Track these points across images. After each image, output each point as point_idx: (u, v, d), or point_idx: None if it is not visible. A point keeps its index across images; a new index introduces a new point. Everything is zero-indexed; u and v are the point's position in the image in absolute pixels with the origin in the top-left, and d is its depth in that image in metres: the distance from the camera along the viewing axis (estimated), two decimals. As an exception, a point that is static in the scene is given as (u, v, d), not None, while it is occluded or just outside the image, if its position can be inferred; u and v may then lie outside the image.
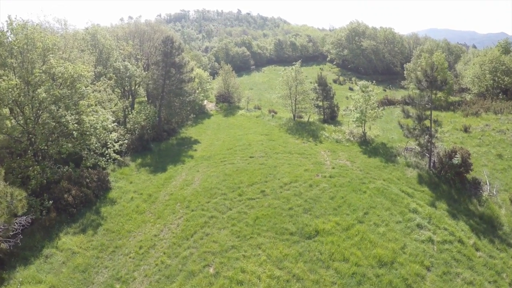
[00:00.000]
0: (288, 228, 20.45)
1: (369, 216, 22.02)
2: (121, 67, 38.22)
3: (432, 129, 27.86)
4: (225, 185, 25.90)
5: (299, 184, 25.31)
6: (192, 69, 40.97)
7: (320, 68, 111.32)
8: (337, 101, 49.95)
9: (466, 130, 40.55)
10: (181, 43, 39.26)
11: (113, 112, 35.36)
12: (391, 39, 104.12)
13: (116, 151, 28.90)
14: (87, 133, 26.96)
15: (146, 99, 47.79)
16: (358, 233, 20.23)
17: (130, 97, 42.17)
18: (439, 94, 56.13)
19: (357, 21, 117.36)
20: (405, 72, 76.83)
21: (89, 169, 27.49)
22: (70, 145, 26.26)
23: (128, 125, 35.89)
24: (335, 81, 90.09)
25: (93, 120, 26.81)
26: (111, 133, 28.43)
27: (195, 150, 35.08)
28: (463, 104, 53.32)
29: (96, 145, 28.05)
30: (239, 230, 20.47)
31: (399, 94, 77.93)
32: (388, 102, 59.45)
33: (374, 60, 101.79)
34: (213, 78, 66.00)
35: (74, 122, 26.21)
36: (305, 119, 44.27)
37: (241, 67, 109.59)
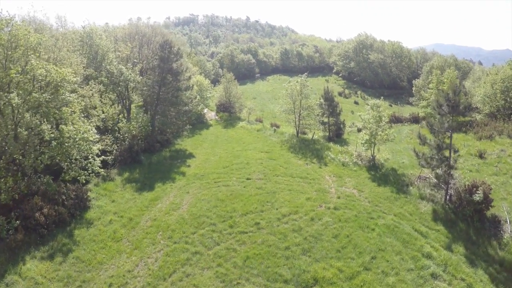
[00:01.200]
0: (282, 274, 17.38)
1: (377, 262, 18.95)
2: (115, 71, 35.55)
3: (451, 159, 24.86)
4: (216, 212, 22.92)
5: (299, 217, 22.28)
6: (190, 77, 38.21)
7: (326, 80, 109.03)
8: (343, 118, 47.00)
9: (481, 156, 37.50)
10: (180, 48, 36.53)
11: (102, 119, 32.66)
12: (399, 53, 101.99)
13: (100, 164, 25.99)
14: (66, 144, 24.17)
15: (143, 104, 45.13)
16: (363, 284, 17.17)
17: (125, 102, 39.44)
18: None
19: (365, 33, 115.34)
20: (413, 88, 74.15)
21: (68, 184, 24.75)
22: (46, 156, 23.54)
23: (118, 134, 33.04)
24: (340, 94, 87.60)
25: (72, 131, 23.96)
26: (94, 146, 25.55)
27: (188, 165, 32.17)
28: (474, 126, 50.44)
29: (78, 157, 25.30)
30: (225, 273, 17.43)
31: (406, 111, 75.22)
32: (395, 120, 56.59)
33: (380, 74, 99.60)
34: (214, 86, 63.34)
35: (51, 132, 23.47)
36: (309, 135, 41.37)
37: (246, 74, 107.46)
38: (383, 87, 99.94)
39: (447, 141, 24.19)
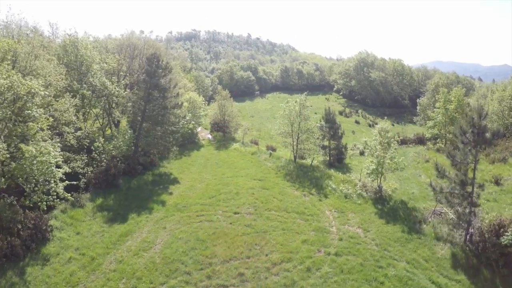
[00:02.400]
0: None
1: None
2: (98, 84, 32.27)
3: (474, 194, 21.20)
4: (193, 257, 19.09)
5: (293, 266, 18.41)
6: (178, 94, 34.87)
7: (326, 98, 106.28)
8: (344, 139, 43.48)
9: (497, 182, 33.91)
10: (168, 63, 33.27)
11: (78, 137, 29.14)
12: (400, 71, 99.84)
13: (62, 190, 22.31)
14: (25, 165, 20.71)
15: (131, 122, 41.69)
16: None
17: (110, 119, 36.06)
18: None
19: (366, 51, 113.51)
20: (418, 107, 71.13)
21: (26, 211, 21.23)
22: (3, 179, 20.23)
23: (95, 154, 29.46)
24: (341, 113, 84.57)
25: (32, 151, 20.44)
26: (56, 169, 21.94)
27: (171, 193, 28.42)
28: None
29: (41, 180, 21.79)
30: None
31: (409, 130, 71.90)
32: (400, 141, 53.01)
33: (382, 92, 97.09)
34: (213, 102, 60.15)
35: (7, 153, 20.00)
36: (308, 160, 37.69)
37: (245, 91, 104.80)
38: (384, 105, 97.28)
39: (470, 174, 20.59)
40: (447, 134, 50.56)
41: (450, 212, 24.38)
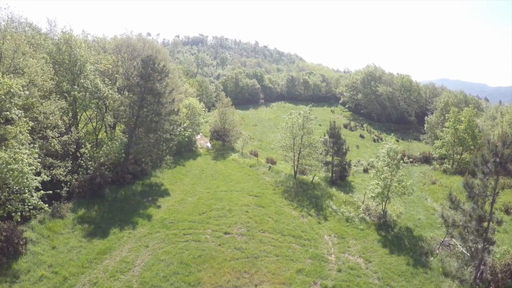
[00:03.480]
0: None
1: None
2: (90, 85, 30.56)
3: (490, 230, 19.08)
4: (174, 283, 17.11)
5: (286, 302, 16.38)
6: (174, 100, 33.04)
7: (332, 111, 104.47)
8: (349, 156, 41.43)
9: (507, 211, 31.87)
10: (165, 66, 31.53)
11: (64, 142, 27.37)
12: (408, 87, 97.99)
13: (37, 200, 20.43)
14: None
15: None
16: None
17: (102, 123, 34.29)
18: (465, 155, 47.86)
19: (374, 65, 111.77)
20: (425, 125, 68.99)
21: (-1, 221, 19.45)
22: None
23: (81, 161, 27.65)
24: (345, 126, 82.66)
25: (5, 158, 18.67)
26: (31, 177, 20.11)
27: (159, 206, 26.48)
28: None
29: (16, 188, 20.06)
30: None
31: (414, 148, 69.66)
32: (408, 162, 50.92)
33: (388, 107, 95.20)
34: (209, 111, 58.49)
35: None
36: (309, 176, 35.66)
37: (249, 99, 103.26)
38: (390, 121, 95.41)
39: (487, 207, 18.50)
40: (455, 155, 48.57)
41: (460, 245, 22.26)
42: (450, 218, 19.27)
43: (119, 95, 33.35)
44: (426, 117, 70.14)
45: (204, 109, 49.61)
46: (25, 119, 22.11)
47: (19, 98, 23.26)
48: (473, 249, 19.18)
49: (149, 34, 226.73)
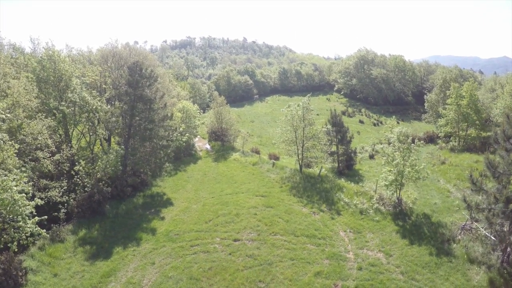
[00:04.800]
0: None
1: None
2: (77, 99, 29.18)
3: (515, 211, 17.83)
4: (186, 303, 15.89)
5: (308, 310, 15.17)
6: (166, 105, 31.65)
7: (327, 99, 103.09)
8: (352, 145, 40.12)
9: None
10: (153, 71, 30.11)
11: (56, 161, 26.02)
12: (401, 67, 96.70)
13: (33, 227, 19.12)
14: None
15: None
16: None
17: (93, 137, 32.92)
18: (470, 131, 46.65)
19: (365, 48, 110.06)
20: (425, 104, 67.60)
21: (-5, 254, 18.26)
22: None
23: (77, 179, 26.30)
24: (343, 113, 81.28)
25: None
26: (23, 204, 18.80)
27: (162, 218, 25.22)
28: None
29: (8, 217, 18.78)
30: None
31: (416, 128, 68.45)
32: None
33: (384, 89, 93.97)
34: (204, 112, 57.03)
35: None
36: (315, 169, 34.39)
37: (243, 96, 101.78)
38: (387, 103, 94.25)
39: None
40: (460, 132, 47.35)
41: (483, 229, 21.06)
42: (473, 201, 18.02)
43: (109, 106, 31.99)
44: (425, 96, 68.74)
45: (199, 111, 48.22)
46: (10, 142, 20.79)
47: (3, 122, 21.97)
48: (499, 232, 17.96)
49: (136, 43, 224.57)
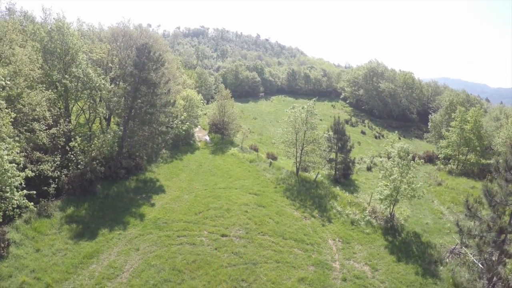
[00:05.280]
0: None
1: None
2: (81, 75, 28.84)
3: (507, 241, 17.62)
4: (165, 294, 15.67)
5: (287, 316, 14.96)
6: (169, 91, 31.34)
7: (332, 106, 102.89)
8: (353, 155, 39.90)
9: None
10: (161, 55, 29.78)
11: (52, 135, 25.72)
12: (410, 84, 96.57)
13: (20, 199, 18.84)
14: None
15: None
16: None
17: (94, 114, 32.65)
18: (470, 156, 46.47)
19: (376, 60, 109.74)
20: (429, 124, 67.42)
21: (-21, 223, 18.01)
22: None
23: (70, 155, 26.01)
24: (346, 122, 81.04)
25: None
26: (19, 173, 18.56)
27: (152, 204, 24.99)
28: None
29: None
30: None
31: (417, 146, 68.21)
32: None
33: (390, 103, 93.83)
34: (207, 103, 56.65)
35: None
36: (311, 174, 34.17)
37: (249, 92, 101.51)
38: (391, 117, 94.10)
39: (505, 217, 17.02)
40: (460, 156, 47.15)
41: (471, 255, 20.83)
42: (465, 227, 17.76)
43: (113, 86, 31.65)
44: (430, 116, 68.59)
45: (202, 101, 47.90)
46: (6, 110, 20.48)
47: (3, 89, 21.66)
48: (488, 261, 17.73)
49: (149, 25, 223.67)
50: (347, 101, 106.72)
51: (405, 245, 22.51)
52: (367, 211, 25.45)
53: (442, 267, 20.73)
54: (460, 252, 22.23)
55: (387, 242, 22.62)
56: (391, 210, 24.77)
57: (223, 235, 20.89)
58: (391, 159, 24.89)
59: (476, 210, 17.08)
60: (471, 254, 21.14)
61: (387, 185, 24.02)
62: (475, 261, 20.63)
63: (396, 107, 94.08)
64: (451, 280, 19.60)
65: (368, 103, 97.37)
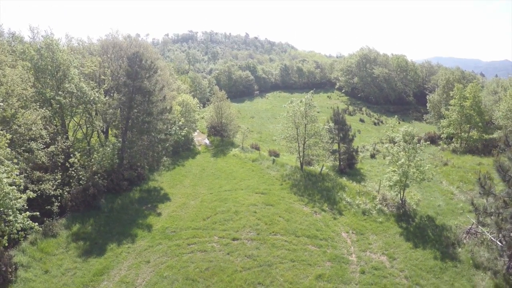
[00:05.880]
0: None
1: None
2: (74, 90, 28.34)
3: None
4: (182, 305, 15.20)
5: (309, 316, 14.51)
6: (165, 97, 30.86)
7: (328, 96, 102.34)
8: (355, 144, 39.41)
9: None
10: (153, 63, 29.28)
11: (51, 153, 25.22)
12: (404, 67, 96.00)
13: (24, 221, 18.35)
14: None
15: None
16: None
17: (90, 129, 32.14)
18: (472, 132, 46.05)
19: (368, 47, 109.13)
20: (428, 104, 66.88)
21: (-16, 249, 17.55)
22: None
23: (71, 172, 25.52)
24: (344, 111, 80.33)
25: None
26: (21, 195, 18.08)
27: (159, 214, 24.51)
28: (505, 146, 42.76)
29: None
30: None
31: (416, 128, 67.53)
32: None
33: (386, 89, 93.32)
34: (204, 106, 56.11)
35: None
36: (316, 167, 33.71)
37: (244, 92, 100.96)
38: (388, 102, 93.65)
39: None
40: (463, 134, 46.70)
41: (488, 233, 20.43)
42: (481, 205, 17.35)
43: (107, 98, 31.14)
44: (428, 96, 67.96)
45: (198, 105, 47.39)
46: (2, 132, 19.98)
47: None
48: (507, 237, 17.31)
49: (138, 35, 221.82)
50: (343, 91, 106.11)
51: (420, 230, 22.06)
52: (377, 199, 25.01)
53: (460, 249, 20.28)
54: (477, 232, 21.81)
55: (401, 229, 22.17)
56: (401, 195, 24.32)
57: (234, 239, 20.41)
58: (396, 144, 24.38)
59: (490, 187, 16.64)
60: (488, 232, 20.79)
61: (395, 170, 23.56)
62: (493, 239, 20.27)
63: (392, 91, 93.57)
64: (471, 261, 19.15)
65: (364, 90, 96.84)
